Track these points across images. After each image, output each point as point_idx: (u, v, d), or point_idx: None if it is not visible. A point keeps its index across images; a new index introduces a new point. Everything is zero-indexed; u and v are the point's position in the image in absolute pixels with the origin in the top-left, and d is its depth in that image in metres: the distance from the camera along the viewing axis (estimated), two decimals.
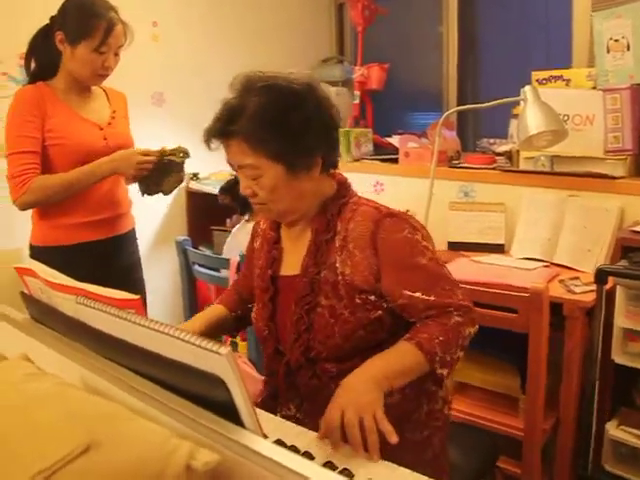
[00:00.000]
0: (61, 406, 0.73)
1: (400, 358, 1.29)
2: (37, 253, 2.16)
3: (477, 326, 1.39)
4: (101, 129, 2.18)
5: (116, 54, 2.11)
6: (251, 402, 0.78)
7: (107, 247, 2.24)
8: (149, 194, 2.23)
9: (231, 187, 2.68)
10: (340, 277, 1.37)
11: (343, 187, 1.48)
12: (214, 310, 1.65)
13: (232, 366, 0.75)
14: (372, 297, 1.37)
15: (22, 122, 2.04)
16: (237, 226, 2.80)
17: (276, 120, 1.31)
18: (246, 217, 2.75)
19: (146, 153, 2.14)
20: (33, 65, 2.15)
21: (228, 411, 0.80)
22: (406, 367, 1.28)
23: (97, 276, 2.08)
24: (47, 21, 2.11)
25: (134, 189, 2.26)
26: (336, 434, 1.13)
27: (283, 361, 1.44)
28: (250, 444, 0.75)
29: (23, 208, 2.08)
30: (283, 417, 1.43)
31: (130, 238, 2.38)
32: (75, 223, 2.15)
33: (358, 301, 1.36)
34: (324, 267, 1.39)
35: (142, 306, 0.90)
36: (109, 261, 2.25)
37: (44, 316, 1.08)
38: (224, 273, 2.50)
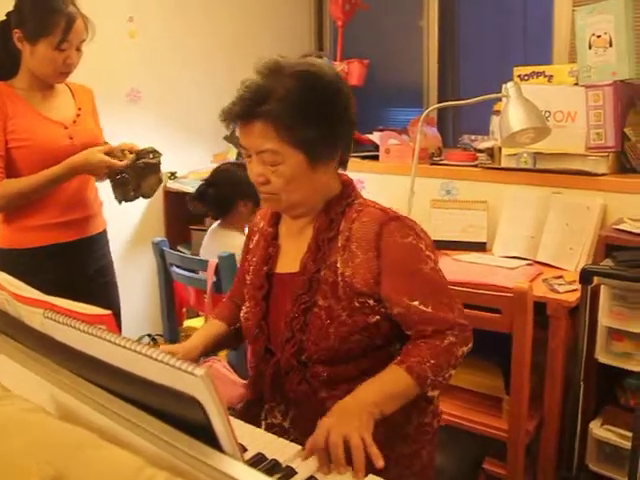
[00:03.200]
0: (24, 436, 0.69)
1: (390, 384, 1.26)
2: (2, 257, 2.10)
3: (471, 344, 1.36)
4: (66, 128, 2.10)
5: (78, 49, 2.04)
6: (230, 425, 0.74)
7: (76, 249, 2.17)
8: (128, 200, 2.17)
9: (201, 194, 2.61)
10: (340, 278, 1.34)
11: (348, 188, 1.44)
12: (211, 327, 1.60)
13: (209, 388, 0.70)
14: (371, 301, 1.33)
15: None
16: (212, 227, 2.74)
17: (306, 106, 1.28)
18: (219, 221, 2.68)
19: (110, 152, 2.07)
20: None
21: (205, 433, 0.75)
22: (397, 392, 1.25)
23: (66, 280, 2.10)
24: (3, 17, 2.02)
25: (106, 190, 2.20)
26: (320, 454, 1.10)
27: (272, 362, 1.39)
28: (228, 470, 0.71)
29: None
30: (268, 425, 1.41)
31: (100, 240, 2.31)
32: (41, 225, 2.08)
33: (356, 304, 1.33)
34: (324, 266, 1.36)
35: (113, 321, 0.85)
36: (79, 264, 2.19)
37: (11, 329, 1.03)
38: (202, 275, 2.45)
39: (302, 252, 1.39)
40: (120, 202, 2.18)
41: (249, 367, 1.52)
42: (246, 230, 2.63)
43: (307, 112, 1.27)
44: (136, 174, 2.11)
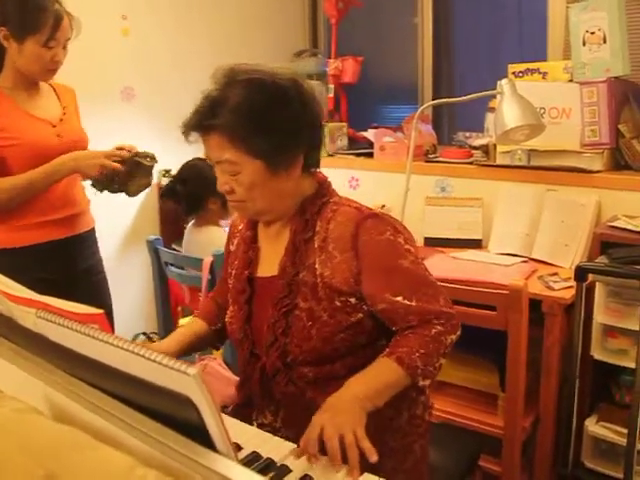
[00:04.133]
0: (16, 436, 0.68)
1: (381, 376, 1.26)
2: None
3: (459, 332, 1.36)
4: (54, 126, 2.09)
5: (64, 47, 2.02)
6: (223, 424, 0.73)
7: (66, 247, 2.15)
8: (110, 191, 2.14)
9: (169, 191, 2.60)
10: (319, 279, 1.33)
11: (323, 186, 1.43)
12: (192, 326, 1.59)
13: (201, 387, 0.70)
14: (352, 300, 1.33)
15: None
16: (188, 226, 2.72)
17: (258, 115, 1.26)
18: (192, 221, 2.67)
19: (112, 156, 2.06)
20: None
21: (199, 433, 0.75)
22: (387, 384, 1.25)
23: (57, 278, 2.08)
24: None
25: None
26: (314, 446, 1.09)
27: (258, 365, 1.39)
28: (222, 469, 0.70)
29: None
30: (259, 425, 1.40)
31: (89, 238, 2.29)
32: (31, 223, 2.06)
33: (338, 304, 1.32)
34: (302, 268, 1.35)
35: (106, 321, 0.85)
36: (69, 262, 2.18)
37: (3, 329, 1.02)
38: (197, 273, 2.45)
39: (280, 255, 1.39)
40: (100, 191, 2.14)
41: (239, 371, 1.51)
42: (222, 224, 2.65)
43: (259, 121, 1.26)
44: (128, 170, 2.09)
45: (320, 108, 1.39)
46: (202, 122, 1.29)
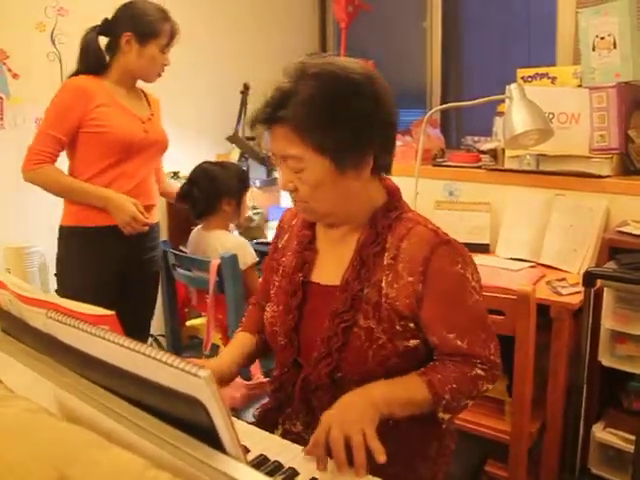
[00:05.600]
0: (28, 437, 0.68)
1: (406, 389, 1.23)
2: (66, 234, 2.33)
3: (496, 384, 1.33)
4: (143, 122, 2.35)
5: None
6: (233, 427, 0.73)
7: (137, 234, 2.32)
8: None
9: (186, 194, 2.60)
10: (384, 299, 1.27)
11: (395, 197, 1.37)
12: (239, 342, 1.52)
13: (212, 389, 0.70)
14: (412, 324, 1.28)
15: (65, 108, 2.20)
16: (195, 231, 2.71)
17: (328, 108, 1.21)
18: (200, 224, 2.67)
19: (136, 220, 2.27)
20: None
21: (208, 435, 0.75)
22: (409, 399, 1.22)
23: (118, 262, 2.32)
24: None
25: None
26: (320, 450, 1.09)
27: (301, 376, 1.33)
28: (231, 472, 0.71)
29: (26, 181, 2.23)
30: (285, 431, 1.37)
31: (153, 230, 2.49)
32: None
33: (398, 328, 1.27)
34: (368, 284, 1.28)
35: (117, 322, 0.85)
36: (137, 248, 2.39)
37: (14, 330, 1.03)
38: (204, 275, 2.45)
39: (343, 263, 1.32)
40: None
41: (273, 376, 1.45)
42: (230, 228, 2.65)
43: (328, 114, 1.21)
44: None
45: (395, 107, 1.32)
46: (270, 114, 1.24)
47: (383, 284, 1.28)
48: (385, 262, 1.29)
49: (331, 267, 1.36)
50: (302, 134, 1.22)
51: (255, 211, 3.18)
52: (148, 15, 2.26)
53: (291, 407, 1.36)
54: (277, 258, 1.48)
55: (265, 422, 1.38)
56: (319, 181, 1.25)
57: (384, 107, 1.28)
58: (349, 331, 1.27)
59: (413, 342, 1.29)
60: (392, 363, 1.27)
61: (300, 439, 1.26)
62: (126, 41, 2.25)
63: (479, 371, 1.27)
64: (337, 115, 1.22)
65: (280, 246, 1.49)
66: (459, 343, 1.26)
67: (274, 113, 1.23)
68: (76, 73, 2.29)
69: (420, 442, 1.32)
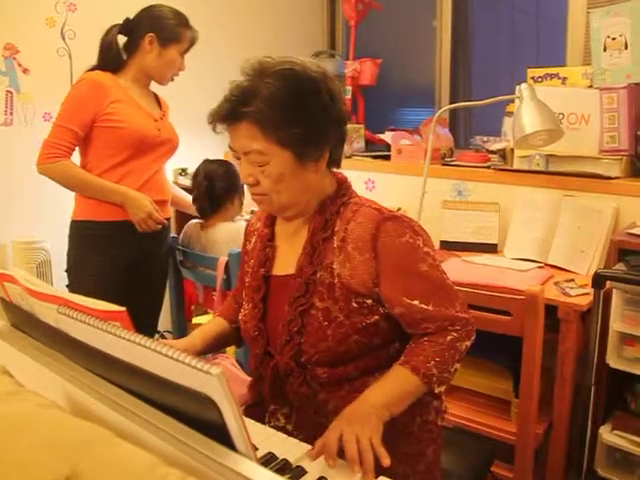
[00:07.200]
0: (40, 432, 0.68)
1: (397, 385, 1.27)
2: (78, 228, 2.32)
3: (474, 337, 1.36)
4: (156, 121, 2.39)
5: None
6: (244, 424, 0.73)
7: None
8: None
9: (206, 190, 2.60)
10: (337, 279, 1.32)
11: (343, 186, 1.42)
12: (214, 325, 1.60)
13: (224, 387, 0.70)
14: (369, 301, 1.32)
15: (81, 102, 2.22)
16: (195, 226, 2.72)
17: (290, 104, 1.27)
18: (202, 220, 2.67)
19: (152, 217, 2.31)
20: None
21: (219, 432, 0.75)
22: (404, 393, 1.27)
23: (129, 256, 2.33)
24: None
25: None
26: (333, 447, 1.10)
27: (271, 364, 1.38)
28: (242, 470, 0.71)
29: (40, 173, 2.23)
30: (271, 428, 1.39)
31: (167, 226, 2.51)
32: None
33: (354, 305, 1.31)
34: (320, 268, 1.34)
35: (128, 318, 0.85)
36: (148, 243, 2.39)
37: (25, 325, 1.03)
38: (211, 272, 2.45)
39: (298, 253, 1.38)
40: None
41: (251, 370, 1.50)
42: (236, 219, 2.66)
43: (291, 111, 1.26)
44: None
45: (345, 105, 1.39)
46: (234, 111, 1.27)
47: (335, 265, 1.33)
48: (335, 245, 1.35)
49: (288, 258, 1.41)
50: (266, 130, 1.26)
51: (257, 208, 3.17)
52: (172, 19, 2.34)
53: (271, 400, 1.41)
54: (247, 261, 1.54)
55: (249, 418, 1.39)
56: (281, 174, 1.30)
57: (338, 104, 1.35)
58: (306, 314, 1.33)
59: (371, 318, 1.33)
60: (352, 340, 1.32)
61: (286, 433, 1.30)
62: (149, 41, 2.30)
63: (453, 334, 1.32)
64: (299, 111, 1.28)
65: (249, 248, 1.55)
66: (425, 307, 1.31)
67: (237, 110, 1.27)
68: (93, 69, 2.32)
69: (402, 419, 1.33)
